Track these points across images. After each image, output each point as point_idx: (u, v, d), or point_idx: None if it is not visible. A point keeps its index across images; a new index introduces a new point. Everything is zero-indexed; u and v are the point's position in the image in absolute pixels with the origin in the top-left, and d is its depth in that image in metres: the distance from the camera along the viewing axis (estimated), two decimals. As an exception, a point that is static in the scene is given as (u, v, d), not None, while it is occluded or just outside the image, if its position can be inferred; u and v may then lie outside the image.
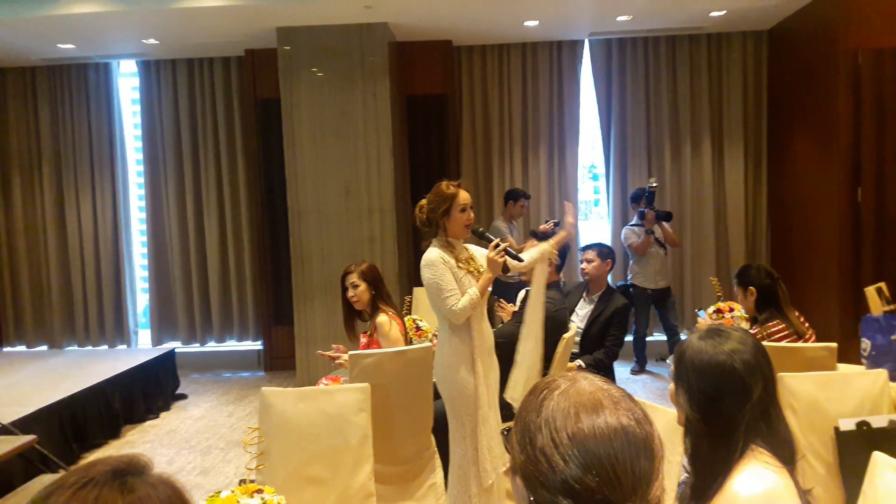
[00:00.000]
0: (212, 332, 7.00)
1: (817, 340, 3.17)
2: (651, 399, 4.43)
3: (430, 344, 3.43)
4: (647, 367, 6.23)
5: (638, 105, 6.66)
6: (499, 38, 6.58)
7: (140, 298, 7.26)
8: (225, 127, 6.82)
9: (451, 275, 2.86)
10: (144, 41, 6.12)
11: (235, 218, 6.89)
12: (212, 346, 7.05)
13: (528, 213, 6.54)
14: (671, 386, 1.56)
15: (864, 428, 2.48)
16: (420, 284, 3.01)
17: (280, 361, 6.67)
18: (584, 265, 4.43)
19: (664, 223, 5.99)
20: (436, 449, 3.30)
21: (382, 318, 3.35)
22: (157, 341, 7.02)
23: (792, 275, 5.59)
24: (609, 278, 4.58)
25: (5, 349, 7.09)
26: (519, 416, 0.96)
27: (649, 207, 5.86)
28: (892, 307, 4.08)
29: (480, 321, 2.94)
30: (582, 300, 4.42)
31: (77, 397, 4.66)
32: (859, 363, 3.94)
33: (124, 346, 7.05)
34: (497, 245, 2.87)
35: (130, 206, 7.11)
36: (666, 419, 2.03)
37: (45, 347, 7.10)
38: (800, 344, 3.09)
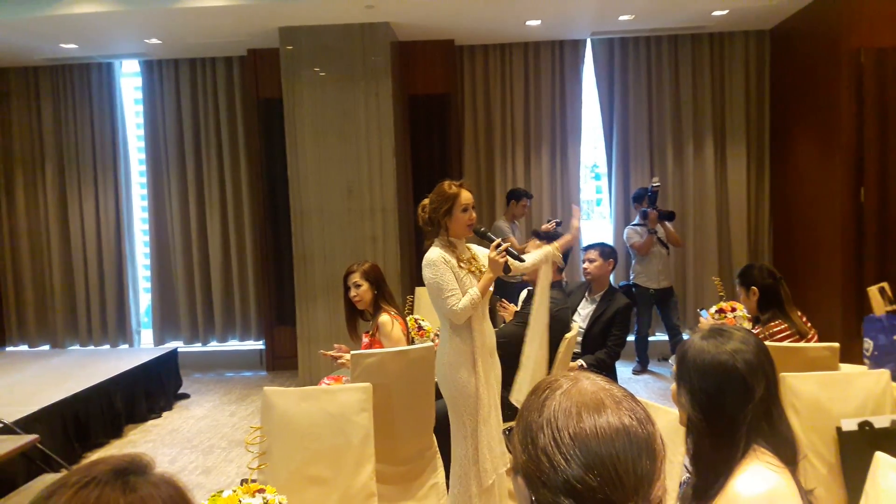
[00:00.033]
0: (214, 331, 7.01)
1: (820, 340, 3.17)
2: (653, 399, 4.42)
3: (432, 344, 3.43)
4: (649, 367, 6.22)
5: (640, 104, 6.65)
6: (501, 38, 6.58)
7: (142, 298, 7.27)
8: (227, 127, 6.82)
9: (452, 275, 2.86)
10: (147, 41, 6.13)
11: (238, 217, 6.90)
12: (214, 346, 7.06)
13: (530, 213, 6.54)
14: (673, 386, 1.56)
15: (867, 428, 2.48)
16: (422, 284, 3.01)
17: (282, 361, 6.67)
18: (586, 265, 4.42)
19: (667, 223, 5.98)
20: (437, 449, 3.30)
21: (384, 318, 3.35)
22: (159, 341, 7.03)
23: (794, 275, 5.59)
24: (611, 278, 4.57)
25: (8, 349, 7.11)
26: (521, 416, 0.96)
27: (652, 207, 5.85)
28: (894, 307, 4.08)
29: (482, 321, 2.93)
30: (584, 300, 4.41)
31: (79, 397, 4.67)
32: (862, 363, 3.94)
33: (126, 346, 7.06)
34: (498, 245, 2.86)
35: (133, 205, 7.12)
36: (668, 419, 2.03)
37: (47, 347, 7.11)
38: (802, 344, 3.09)
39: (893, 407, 2.55)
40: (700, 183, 6.65)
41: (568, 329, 3.64)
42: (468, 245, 3.05)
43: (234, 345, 7.08)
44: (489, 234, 3.03)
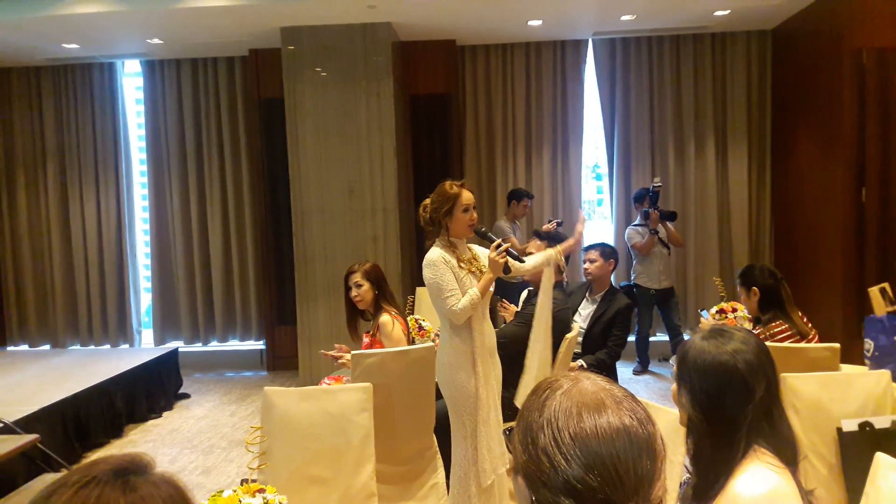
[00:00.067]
0: (214, 331, 7.01)
1: (820, 341, 3.16)
2: (653, 399, 4.43)
3: (432, 344, 3.43)
4: (650, 368, 6.22)
5: (641, 104, 6.65)
6: (502, 38, 6.58)
7: (143, 298, 7.27)
8: (228, 126, 6.83)
9: (452, 275, 2.86)
10: (148, 41, 6.13)
11: (239, 217, 6.90)
12: (214, 346, 7.06)
13: (531, 213, 6.54)
14: (673, 386, 1.56)
15: (867, 429, 2.48)
16: (423, 284, 3.01)
17: (283, 361, 6.67)
18: (587, 265, 4.42)
19: (668, 223, 5.98)
20: (437, 449, 3.30)
21: (385, 318, 3.35)
22: (159, 341, 7.03)
23: (795, 275, 5.58)
24: (612, 278, 4.57)
25: (9, 348, 7.11)
26: (521, 416, 0.96)
27: (653, 207, 5.84)
28: (895, 308, 4.07)
29: (482, 321, 2.93)
30: (585, 300, 4.41)
31: (80, 396, 4.67)
32: (862, 364, 3.93)
33: (127, 346, 7.06)
34: (498, 245, 2.86)
35: (134, 205, 7.12)
36: (668, 419, 2.03)
37: (48, 347, 7.11)
38: (803, 344, 3.08)
39: (894, 407, 2.55)
40: (701, 183, 6.64)
41: (568, 329, 3.64)
42: (469, 245, 3.05)
43: (234, 345, 7.08)
44: (490, 234, 3.03)
